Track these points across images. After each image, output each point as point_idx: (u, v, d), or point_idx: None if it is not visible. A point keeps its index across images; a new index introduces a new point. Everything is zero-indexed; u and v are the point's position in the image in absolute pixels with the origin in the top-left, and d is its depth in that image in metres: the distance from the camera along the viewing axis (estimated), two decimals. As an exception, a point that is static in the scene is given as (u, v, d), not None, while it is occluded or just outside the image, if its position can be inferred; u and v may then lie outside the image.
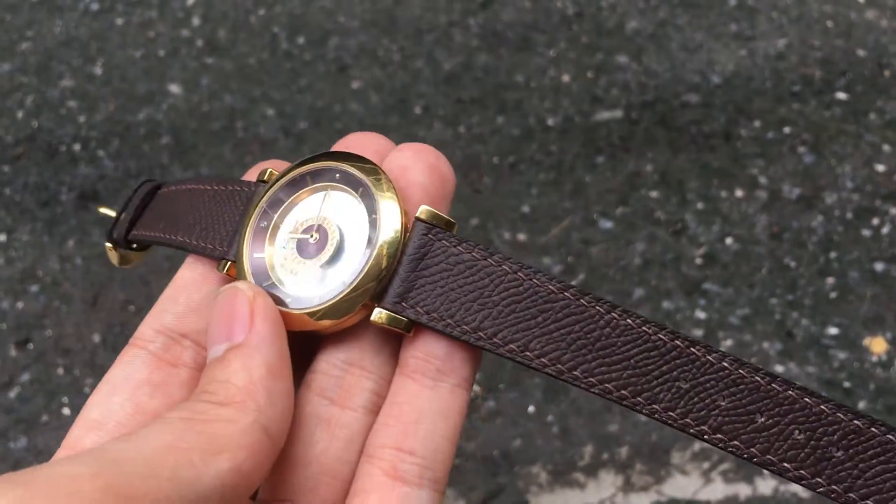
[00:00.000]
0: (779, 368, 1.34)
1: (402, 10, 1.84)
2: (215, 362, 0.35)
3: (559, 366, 0.36)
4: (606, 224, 1.51)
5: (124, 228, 0.49)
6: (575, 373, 0.36)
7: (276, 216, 0.41)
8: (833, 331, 1.38)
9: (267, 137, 1.67)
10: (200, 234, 0.43)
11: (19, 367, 1.43)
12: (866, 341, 1.37)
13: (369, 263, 0.38)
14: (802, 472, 0.33)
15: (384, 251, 0.38)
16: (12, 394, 1.41)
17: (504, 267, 0.37)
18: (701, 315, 1.40)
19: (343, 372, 0.39)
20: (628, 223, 1.51)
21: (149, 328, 0.41)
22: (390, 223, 0.39)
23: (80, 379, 1.42)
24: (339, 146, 0.44)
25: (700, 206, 1.52)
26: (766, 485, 1.26)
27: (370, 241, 0.39)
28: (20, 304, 1.50)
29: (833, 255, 1.46)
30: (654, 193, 1.54)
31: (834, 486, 0.33)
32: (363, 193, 0.40)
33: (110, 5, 1.90)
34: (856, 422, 0.33)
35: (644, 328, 0.35)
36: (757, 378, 0.34)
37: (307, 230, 0.40)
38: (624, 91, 1.68)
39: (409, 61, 1.76)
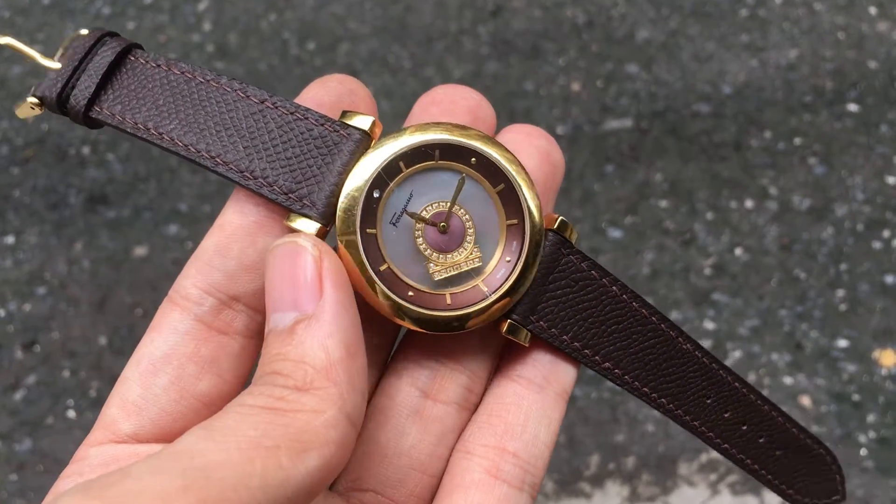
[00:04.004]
0: (787, 380, 1.33)
1: (413, 18, 1.84)
2: (282, 335, 0.31)
3: (637, 383, 0.39)
4: (615, 233, 1.51)
5: (85, 98, 0.37)
6: (645, 389, 0.39)
7: (391, 185, 0.35)
8: (843, 343, 1.37)
9: (276, 142, 1.67)
10: (260, 170, 0.35)
11: (25, 369, 1.43)
12: (876, 354, 1.36)
13: (513, 275, 0.36)
14: (756, 466, 0.43)
15: (530, 264, 0.36)
16: (18, 396, 1.41)
17: (614, 289, 0.39)
18: (710, 326, 1.39)
19: (438, 364, 0.38)
20: (637, 232, 1.50)
21: (194, 286, 0.36)
22: (536, 234, 0.36)
23: (86, 381, 1.41)
24: (426, 100, 0.39)
25: (709, 216, 1.52)
26: (774, 497, 1.25)
27: (511, 249, 0.36)
28: (27, 306, 1.50)
29: (843, 267, 1.45)
30: (663, 203, 1.54)
31: (770, 477, 0.43)
32: (504, 193, 0.36)
33: (122, 9, 1.90)
34: (793, 430, 0.43)
35: (696, 353, 0.41)
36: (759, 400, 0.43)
37: (437, 216, 0.36)
38: (634, 100, 1.68)
39: (420, 68, 1.76)
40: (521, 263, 0.36)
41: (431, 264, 0.35)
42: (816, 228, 1.50)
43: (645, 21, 1.80)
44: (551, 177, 0.40)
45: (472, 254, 0.36)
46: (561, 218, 0.38)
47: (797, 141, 1.60)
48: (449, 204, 0.36)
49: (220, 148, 0.35)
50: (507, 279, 0.36)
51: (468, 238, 0.36)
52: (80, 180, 1.65)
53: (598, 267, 0.39)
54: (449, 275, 0.36)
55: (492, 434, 0.37)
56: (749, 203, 1.53)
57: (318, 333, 0.31)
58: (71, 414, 1.38)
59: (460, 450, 0.37)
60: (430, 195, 0.36)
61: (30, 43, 1.86)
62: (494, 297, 0.36)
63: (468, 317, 0.36)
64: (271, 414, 0.29)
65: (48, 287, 1.52)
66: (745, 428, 0.41)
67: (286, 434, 0.28)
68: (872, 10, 1.78)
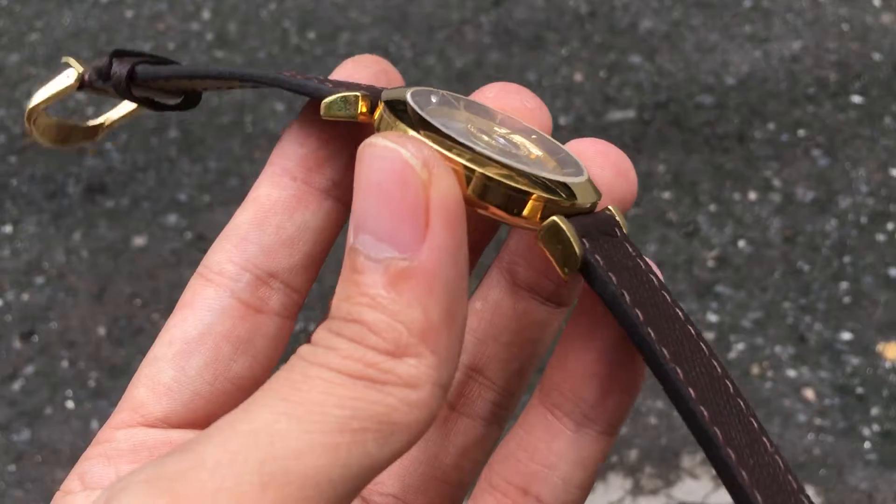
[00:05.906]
0: (791, 373, 1.33)
1: (414, 7, 1.83)
2: (376, 273, 0.25)
3: (692, 390, 0.33)
4: (618, 224, 1.50)
5: (128, 64, 0.33)
6: (700, 407, 0.32)
7: (452, 99, 0.29)
8: (846, 336, 1.37)
9: (276, 132, 1.66)
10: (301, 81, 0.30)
11: (23, 360, 1.42)
12: (880, 347, 1.36)
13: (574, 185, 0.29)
14: None
15: (588, 189, 0.30)
16: (16, 386, 1.40)
17: (652, 277, 0.33)
18: (713, 318, 1.39)
19: (465, 377, 0.34)
20: (640, 224, 1.50)
21: (230, 261, 0.33)
22: (591, 192, 0.31)
23: (84, 372, 1.41)
24: (479, 97, 0.36)
25: (713, 207, 1.51)
26: (778, 490, 1.24)
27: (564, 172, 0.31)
28: (25, 296, 1.49)
29: (847, 259, 1.45)
30: (666, 194, 1.53)
31: None
32: (563, 160, 0.32)
33: (120, -3, 1.89)
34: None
35: (738, 400, 0.34)
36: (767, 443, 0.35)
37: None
38: (637, 91, 1.67)
39: (421, 58, 1.75)
40: (580, 187, 0.30)
41: (473, 126, 0.29)
42: (820, 220, 1.49)
43: (648, 11, 1.79)
44: (628, 191, 0.33)
45: (532, 150, 0.31)
46: (615, 206, 0.33)
47: (801, 133, 1.60)
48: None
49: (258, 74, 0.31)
50: (562, 176, 0.30)
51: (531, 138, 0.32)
52: (79, 170, 1.64)
53: (631, 241, 0.31)
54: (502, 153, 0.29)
55: (516, 471, 0.33)
56: (752, 195, 1.52)
57: (416, 287, 0.25)
58: (70, 404, 1.37)
59: (484, 479, 0.34)
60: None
61: (28, 31, 1.84)
62: (553, 177, 0.29)
63: (527, 192, 0.28)
64: (360, 387, 0.24)
65: (46, 277, 1.51)
66: None
67: (375, 414, 0.24)
68: (876, 2, 1.77)
